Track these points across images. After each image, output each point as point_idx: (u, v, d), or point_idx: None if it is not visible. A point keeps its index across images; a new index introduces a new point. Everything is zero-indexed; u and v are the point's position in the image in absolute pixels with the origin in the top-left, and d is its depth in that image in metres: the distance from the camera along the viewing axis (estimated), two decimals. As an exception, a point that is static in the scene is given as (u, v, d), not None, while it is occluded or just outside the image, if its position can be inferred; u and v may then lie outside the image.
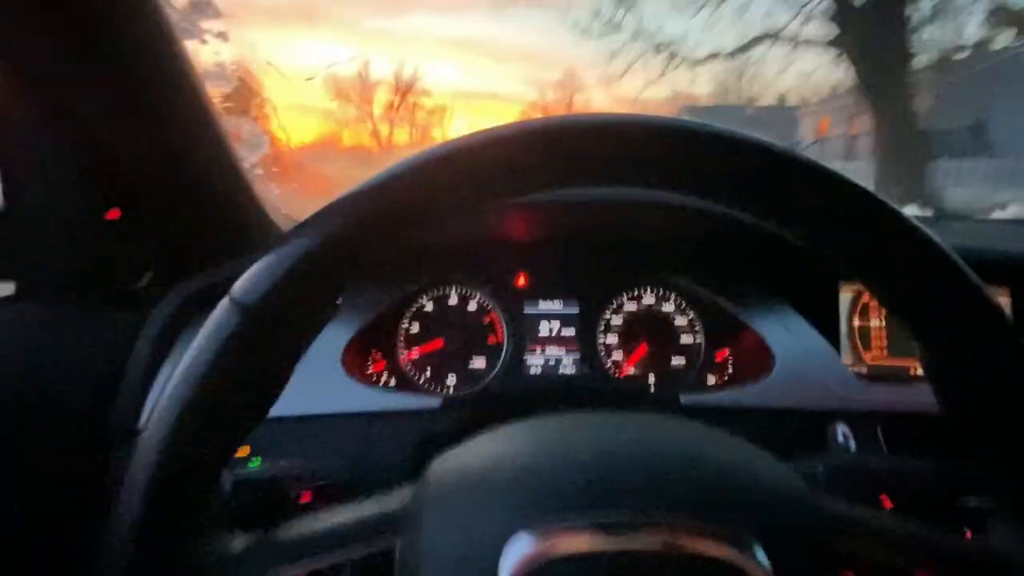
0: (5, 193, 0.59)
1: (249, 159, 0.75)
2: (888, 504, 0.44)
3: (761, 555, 0.28)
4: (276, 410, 0.31)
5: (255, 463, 0.53)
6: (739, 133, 0.29)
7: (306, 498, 0.44)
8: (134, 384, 0.63)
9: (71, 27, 0.47)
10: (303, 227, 0.29)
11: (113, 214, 0.62)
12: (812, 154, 0.30)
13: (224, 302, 0.29)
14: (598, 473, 0.30)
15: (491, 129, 0.30)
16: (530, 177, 0.31)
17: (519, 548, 0.27)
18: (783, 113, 9.32)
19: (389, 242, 0.30)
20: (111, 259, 0.65)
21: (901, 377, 0.74)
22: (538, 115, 0.34)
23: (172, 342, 0.67)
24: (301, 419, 0.63)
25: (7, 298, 0.63)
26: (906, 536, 0.31)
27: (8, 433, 0.51)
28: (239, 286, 0.29)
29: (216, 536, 0.30)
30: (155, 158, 0.61)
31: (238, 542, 0.30)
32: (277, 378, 0.31)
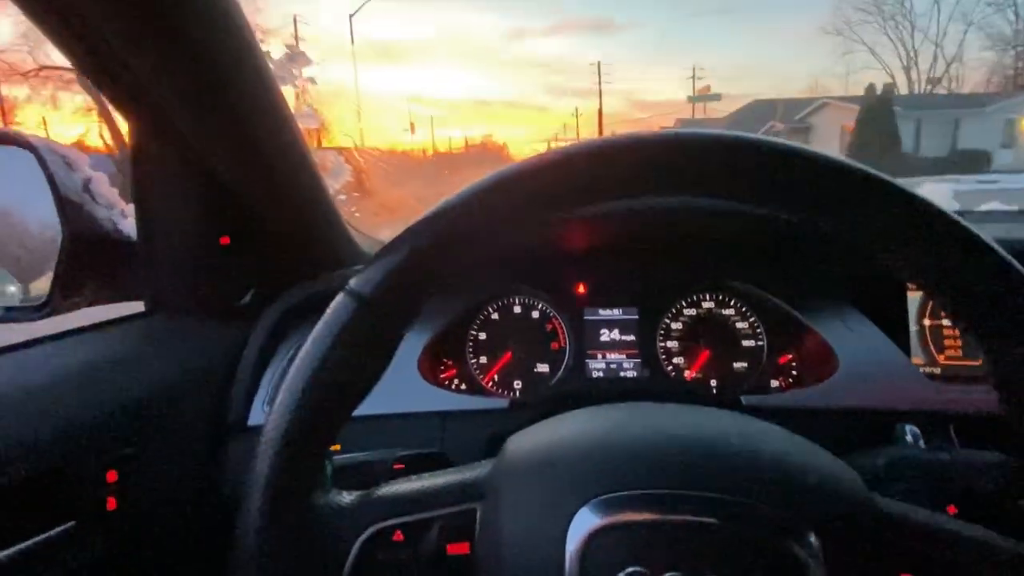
0: (139, 227, 0.69)
1: (333, 186, 0.83)
2: (952, 510, 0.44)
3: (814, 542, 0.30)
4: (362, 410, 0.36)
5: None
6: (808, 151, 0.31)
7: (399, 467, 0.51)
8: (243, 385, 0.72)
9: (195, 84, 0.56)
10: (411, 232, 0.34)
11: (224, 240, 0.71)
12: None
13: (341, 295, 0.34)
14: (657, 455, 0.33)
15: (580, 142, 0.33)
16: (620, 186, 0.33)
17: (584, 520, 0.31)
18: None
19: (484, 245, 0.35)
20: (222, 279, 0.74)
21: (977, 377, 0.72)
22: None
23: (275, 348, 0.76)
24: (385, 418, 0.70)
25: (138, 314, 0.74)
26: (965, 539, 0.32)
27: (138, 430, 0.59)
28: (356, 281, 0.34)
29: (328, 492, 0.36)
30: (258, 190, 0.70)
31: (345, 497, 0.36)
32: (381, 360, 0.36)
